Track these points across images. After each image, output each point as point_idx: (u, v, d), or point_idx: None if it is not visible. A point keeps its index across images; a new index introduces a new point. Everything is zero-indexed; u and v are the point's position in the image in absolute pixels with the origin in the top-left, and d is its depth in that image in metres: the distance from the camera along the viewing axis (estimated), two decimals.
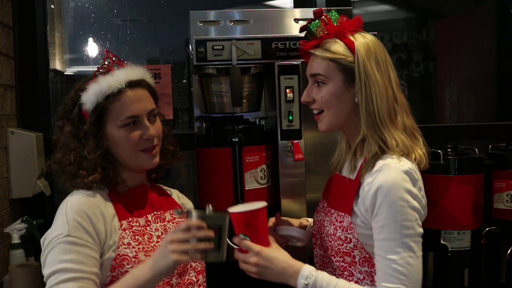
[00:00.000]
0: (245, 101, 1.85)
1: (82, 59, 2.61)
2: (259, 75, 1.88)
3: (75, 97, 1.39)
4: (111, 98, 1.34)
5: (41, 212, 2.30)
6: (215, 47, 1.73)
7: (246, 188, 1.79)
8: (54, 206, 2.39)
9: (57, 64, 2.54)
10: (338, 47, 1.37)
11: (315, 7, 2.41)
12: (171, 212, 1.47)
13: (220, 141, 1.81)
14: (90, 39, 2.59)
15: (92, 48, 2.60)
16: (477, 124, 2.72)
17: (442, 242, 1.91)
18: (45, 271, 1.27)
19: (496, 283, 2.16)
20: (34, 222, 2.12)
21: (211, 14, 1.92)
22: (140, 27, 2.64)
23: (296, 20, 1.95)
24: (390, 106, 1.35)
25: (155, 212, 1.43)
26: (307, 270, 1.31)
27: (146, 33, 2.67)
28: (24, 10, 2.35)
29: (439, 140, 2.54)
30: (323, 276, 1.30)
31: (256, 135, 1.85)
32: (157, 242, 1.38)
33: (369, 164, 1.32)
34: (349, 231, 1.34)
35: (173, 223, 1.46)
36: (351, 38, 1.37)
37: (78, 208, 1.31)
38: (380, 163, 1.30)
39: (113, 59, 1.40)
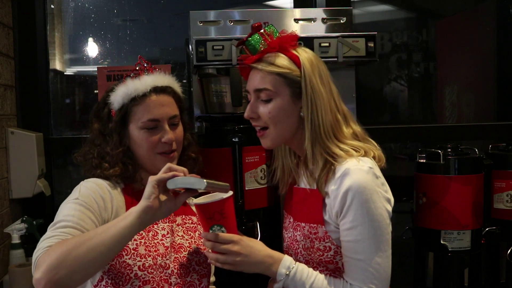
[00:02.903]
0: (245, 101, 1.84)
1: (82, 59, 2.61)
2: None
3: (106, 97, 1.47)
4: (135, 100, 1.42)
5: (41, 212, 2.30)
6: (215, 47, 1.73)
7: (246, 188, 1.78)
8: (54, 206, 2.39)
9: (57, 64, 2.54)
10: (283, 61, 1.35)
11: (315, 7, 2.42)
12: (183, 217, 1.50)
13: (220, 141, 1.81)
14: (90, 39, 2.60)
15: (92, 48, 2.60)
16: (477, 124, 2.73)
17: (442, 242, 1.91)
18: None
19: (496, 283, 2.16)
20: (34, 222, 2.13)
21: (211, 14, 1.93)
22: (140, 27, 2.64)
23: (296, 20, 1.95)
24: (334, 118, 1.35)
25: None
26: (288, 260, 1.32)
27: (146, 33, 2.67)
28: (24, 10, 2.35)
29: (439, 140, 2.55)
30: (303, 267, 1.31)
31: (256, 135, 1.85)
32: (161, 240, 1.39)
33: (324, 175, 1.32)
34: (326, 240, 1.34)
35: (182, 227, 1.48)
36: (295, 52, 1.36)
37: (92, 185, 1.38)
38: (341, 168, 1.30)
39: (145, 65, 1.48)
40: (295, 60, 1.35)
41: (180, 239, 1.45)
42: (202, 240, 1.49)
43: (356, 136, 1.38)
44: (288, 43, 1.37)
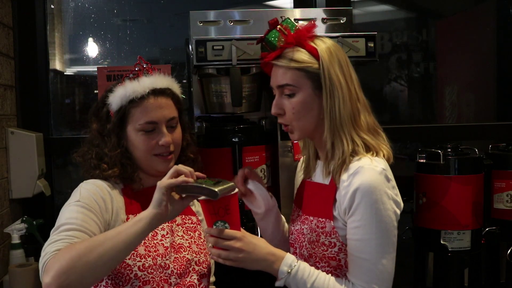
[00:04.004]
0: (245, 101, 1.84)
1: (82, 59, 2.61)
2: (259, 75, 1.88)
3: (105, 98, 1.47)
4: (134, 102, 1.41)
5: (41, 212, 2.30)
6: (215, 47, 1.72)
7: None
8: (54, 206, 2.39)
9: (57, 64, 2.54)
10: (301, 55, 1.35)
11: (315, 7, 2.42)
12: (183, 217, 1.50)
13: (220, 141, 1.81)
14: (90, 39, 2.60)
15: (92, 48, 2.60)
16: (477, 124, 2.73)
17: (442, 242, 1.91)
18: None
19: (496, 283, 2.16)
20: (34, 222, 2.13)
21: (211, 14, 1.92)
22: (140, 27, 2.64)
23: (296, 20, 1.95)
24: (354, 107, 1.35)
25: None
26: (290, 258, 1.32)
27: (146, 33, 2.67)
28: (24, 10, 2.35)
29: (439, 140, 2.55)
30: (305, 266, 1.32)
31: (256, 135, 1.85)
32: (161, 240, 1.39)
33: (339, 167, 1.33)
34: (332, 236, 1.34)
35: (182, 227, 1.48)
36: (313, 44, 1.36)
37: (91, 187, 1.38)
38: (354, 166, 1.30)
39: (144, 66, 1.47)
40: (314, 53, 1.35)
41: (180, 239, 1.45)
42: (201, 240, 1.50)
43: (368, 128, 1.38)
44: (305, 36, 1.37)
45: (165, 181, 1.22)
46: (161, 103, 1.43)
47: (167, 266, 1.38)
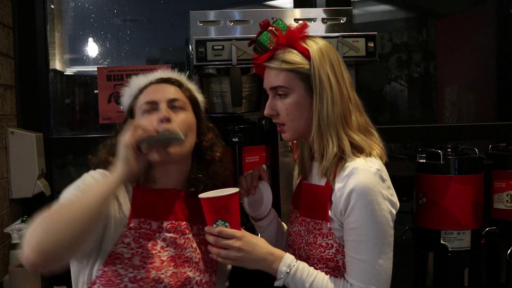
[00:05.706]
0: (245, 101, 1.84)
1: (82, 59, 2.61)
2: (259, 75, 1.87)
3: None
4: (139, 92, 1.44)
5: (41, 212, 2.29)
6: (215, 47, 1.72)
7: None
8: None
9: (57, 64, 2.54)
10: (293, 56, 1.35)
11: (315, 7, 2.42)
12: (200, 226, 1.43)
13: None
14: (90, 39, 2.60)
15: (92, 48, 2.60)
16: (477, 124, 2.73)
17: (442, 242, 1.91)
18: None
19: (496, 283, 2.16)
20: None
21: (211, 14, 1.92)
22: (140, 27, 2.64)
23: (296, 20, 1.95)
24: (345, 108, 1.34)
25: (173, 222, 1.37)
26: (289, 258, 1.33)
27: (146, 33, 2.67)
28: (24, 10, 2.35)
29: (439, 140, 2.55)
30: (304, 266, 1.32)
31: (256, 135, 1.85)
32: (159, 252, 1.32)
33: (331, 169, 1.32)
34: (329, 237, 1.34)
35: (197, 238, 1.42)
36: (304, 45, 1.35)
37: (97, 174, 1.35)
38: (348, 167, 1.30)
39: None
40: (305, 53, 1.34)
41: (192, 252, 1.37)
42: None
43: (359, 128, 1.37)
44: (296, 37, 1.36)
45: (128, 137, 1.23)
46: (163, 87, 1.42)
47: (160, 280, 1.29)
